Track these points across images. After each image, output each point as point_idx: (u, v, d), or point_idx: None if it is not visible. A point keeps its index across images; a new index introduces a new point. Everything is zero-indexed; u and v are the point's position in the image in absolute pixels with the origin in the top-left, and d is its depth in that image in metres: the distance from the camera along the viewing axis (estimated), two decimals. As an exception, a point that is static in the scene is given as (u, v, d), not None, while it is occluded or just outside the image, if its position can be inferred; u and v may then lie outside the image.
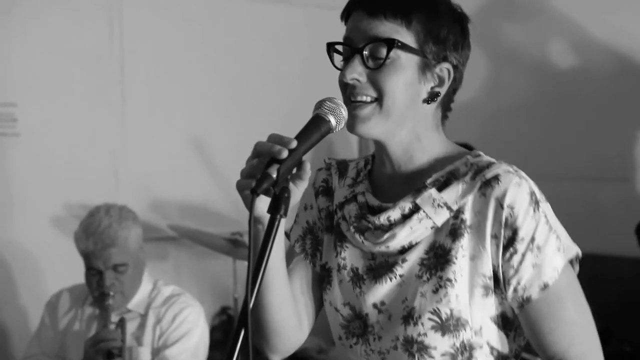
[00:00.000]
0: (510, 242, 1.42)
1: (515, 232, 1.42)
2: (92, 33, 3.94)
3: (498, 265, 1.44)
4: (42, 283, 3.76)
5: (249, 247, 1.27)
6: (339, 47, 1.51)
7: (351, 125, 1.47)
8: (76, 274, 2.90)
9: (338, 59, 1.52)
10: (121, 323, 2.79)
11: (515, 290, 1.44)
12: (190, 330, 2.85)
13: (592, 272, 3.99)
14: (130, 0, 4.03)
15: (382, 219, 1.50)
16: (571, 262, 1.49)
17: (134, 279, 2.86)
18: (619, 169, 4.22)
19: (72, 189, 3.82)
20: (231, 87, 4.35)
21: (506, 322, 1.49)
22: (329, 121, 1.41)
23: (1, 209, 3.74)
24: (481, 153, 1.53)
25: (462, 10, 1.53)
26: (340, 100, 1.44)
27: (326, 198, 1.66)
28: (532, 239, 1.42)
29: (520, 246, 1.42)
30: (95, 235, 2.77)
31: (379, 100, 1.46)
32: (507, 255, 1.43)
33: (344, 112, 1.43)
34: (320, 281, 1.63)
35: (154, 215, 4.10)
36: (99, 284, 2.79)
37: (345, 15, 1.52)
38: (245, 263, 1.24)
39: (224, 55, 4.32)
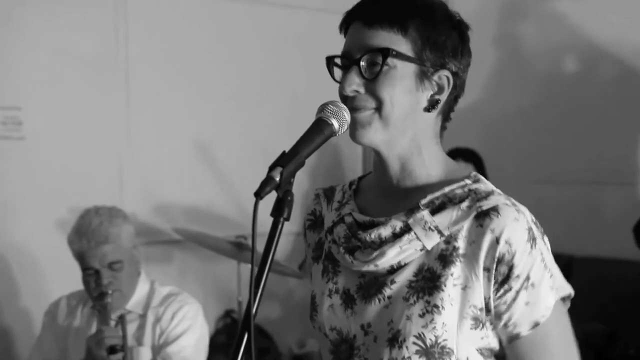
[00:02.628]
0: (506, 278, 1.41)
1: (511, 269, 1.40)
2: (98, 37, 3.96)
3: (489, 298, 1.43)
4: (46, 286, 3.77)
5: (252, 251, 1.27)
6: (338, 61, 1.51)
7: (352, 132, 1.47)
8: (79, 277, 2.90)
9: (338, 72, 1.52)
10: (121, 319, 2.81)
11: (505, 325, 1.43)
12: (191, 327, 2.87)
13: (596, 275, 4.01)
14: (135, 4, 4.04)
15: (373, 235, 1.49)
16: (563, 299, 1.48)
17: (130, 277, 2.88)
18: (622, 173, 4.22)
19: (77, 192, 3.83)
20: (236, 91, 4.36)
21: (495, 355, 1.49)
22: (332, 124, 1.41)
23: (6, 212, 3.75)
24: (480, 177, 1.51)
25: (460, 17, 1.52)
26: (343, 104, 1.44)
27: (314, 231, 1.67)
28: (527, 278, 1.41)
29: (515, 284, 1.41)
30: (87, 234, 2.80)
31: (378, 109, 1.45)
32: (502, 291, 1.42)
33: (347, 115, 1.44)
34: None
35: (159, 219, 4.11)
36: (97, 284, 2.81)
37: (345, 28, 1.52)
38: (250, 266, 1.25)
39: (229, 60, 4.33)
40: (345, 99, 1.47)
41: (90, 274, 2.82)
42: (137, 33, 4.04)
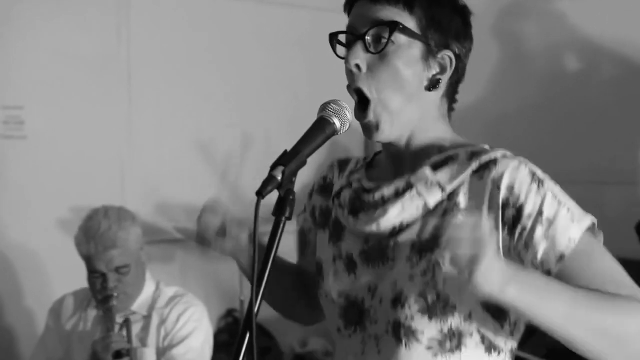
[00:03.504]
0: (516, 221, 1.38)
1: (520, 210, 1.38)
2: (99, 37, 3.96)
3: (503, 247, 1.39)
4: (48, 286, 3.77)
5: (253, 251, 1.27)
6: (342, 39, 1.51)
7: (368, 136, 1.49)
8: (82, 276, 2.90)
9: (342, 51, 1.51)
10: (126, 323, 2.81)
11: (535, 266, 1.38)
12: (196, 329, 2.86)
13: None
14: (137, 4, 4.04)
15: (377, 195, 1.49)
16: (593, 232, 1.42)
17: (137, 279, 2.87)
18: (622, 173, 4.21)
19: (79, 191, 3.83)
20: (236, 91, 4.36)
21: (499, 312, 1.45)
22: (334, 124, 1.42)
23: (7, 212, 3.76)
24: (487, 146, 1.51)
25: (464, 3, 1.53)
26: (344, 103, 1.45)
27: (322, 196, 1.68)
28: (540, 213, 1.38)
29: (528, 222, 1.38)
30: (95, 238, 2.78)
31: (381, 101, 1.45)
32: (516, 234, 1.39)
33: (349, 114, 1.44)
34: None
35: (160, 218, 4.11)
36: (103, 287, 2.79)
37: (349, 7, 1.52)
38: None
39: (230, 59, 4.33)
40: (350, 73, 1.47)
41: (97, 277, 2.81)
42: (138, 33, 4.04)
